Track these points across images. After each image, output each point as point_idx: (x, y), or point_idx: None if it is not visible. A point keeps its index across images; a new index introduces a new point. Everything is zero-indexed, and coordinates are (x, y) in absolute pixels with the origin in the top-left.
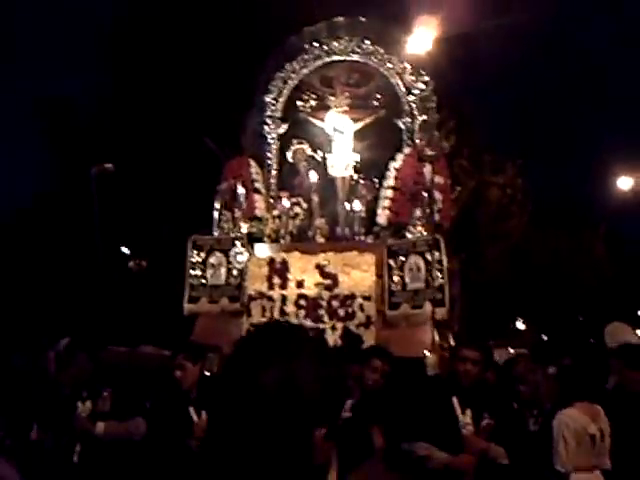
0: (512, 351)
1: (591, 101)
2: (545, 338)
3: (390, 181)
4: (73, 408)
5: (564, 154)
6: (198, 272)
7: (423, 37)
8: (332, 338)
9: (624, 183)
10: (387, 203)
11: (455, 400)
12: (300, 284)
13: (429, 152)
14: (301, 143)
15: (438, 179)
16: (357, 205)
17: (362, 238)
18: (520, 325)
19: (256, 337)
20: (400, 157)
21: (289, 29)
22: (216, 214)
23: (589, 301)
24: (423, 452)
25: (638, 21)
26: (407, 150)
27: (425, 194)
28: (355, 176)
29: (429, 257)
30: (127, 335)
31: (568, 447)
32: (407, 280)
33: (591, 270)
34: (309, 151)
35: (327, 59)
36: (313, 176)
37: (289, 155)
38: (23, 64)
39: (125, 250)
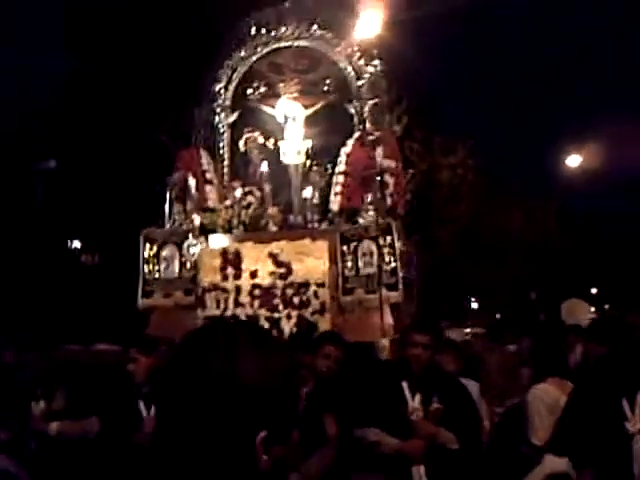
0: (468, 331)
1: (542, 81)
2: (498, 317)
3: (341, 167)
4: (27, 407)
5: (515, 134)
6: (151, 266)
7: (371, 20)
8: (287, 327)
9: (573, 161)
10: (339, 189)
11: (405, 385)
12: (254, 274)
13: (373, 136)
14: (252, 131)
15: (389, 163)
16: (309, 192)
17: (315, 225)
18: (474, 305)
19: (201, 330)
20: (350, 142)
21: (236, 17)
22: (167, 207)
23: (542, 278)
24: (373, 438)
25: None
26: (357, 135)
27: (376, 178)
28: (308, 163)
29: (381, 242)
30: (82, 332)
31: (544, 421)
32: (360, 265)
33: (543, 247)
34: (261, 139)
35: (275, 45)
36: (264, 165)
37: (241, 144)
38: None
39: (76, 244)
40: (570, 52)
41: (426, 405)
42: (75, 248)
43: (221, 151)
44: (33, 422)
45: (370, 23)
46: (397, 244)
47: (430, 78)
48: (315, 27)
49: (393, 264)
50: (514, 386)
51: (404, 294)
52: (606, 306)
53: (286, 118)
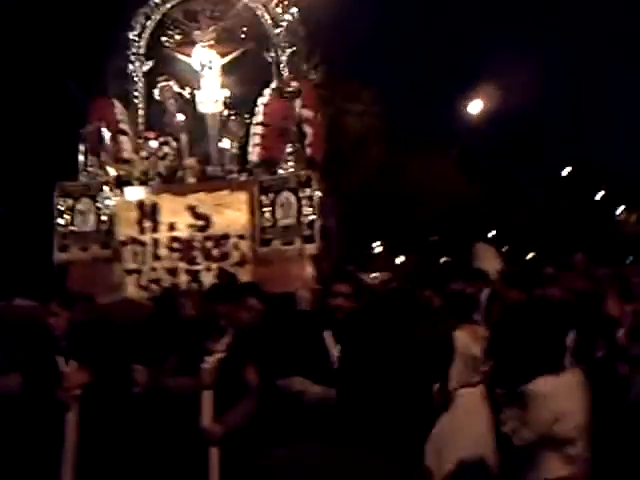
0: (374, 275)
1: (446, 28)
2: (401, 260)
3: (259, 117)
4: None
5: (421, 81)
6: (67, 220)
7: None
8: (207, 279)
9: (474, 106)
10: (257, 140)
11: (328, 334)
12: (172, 226)
13: (290, 87)
14: (168, 80)
15: (307, 112)
16: (227, 143)
17: (234, 177)
18: (377, 249)
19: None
20: (267, 92)
21: None
22: (81, 158)
23: (443, 223)
24: (298, 387)
25: None
26: (274, 84)
27: (294, 129)
28: (225, 112)
29: (300, 193)
30: None
31: (456, 367)
32: (278, 216)
33: (444, 192)
34: (176, 88)
35: None
36: (180, 115)
37: (156, 93)
38: None
39: None
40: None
41: None
42: None
43: (136, 100)
44: None
45: None
46: (316, 196)
47: (336, 26)
48: None
49: (311, 216)
50: None
51: (323, 244)
52: (504, 248)
53: (202, 66)
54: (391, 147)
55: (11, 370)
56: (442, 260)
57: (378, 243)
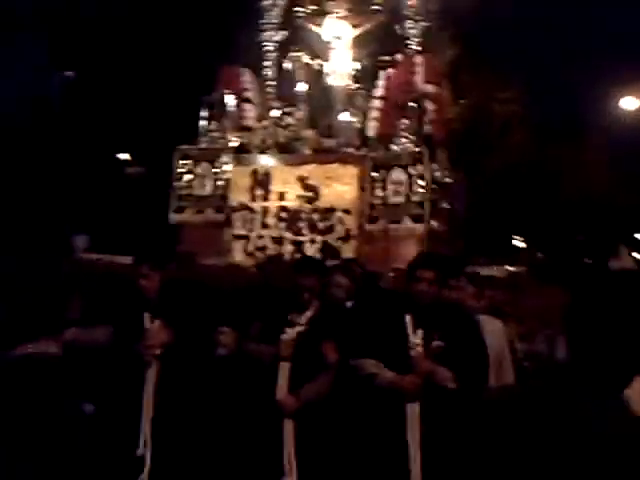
0: (510, 269)
1: (602, 15)
2: (541, 256)
3: (380, 91)
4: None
5: (569, 70)
6: (184, 182)
7: None
8: (310, 251)
9: (629, 103)
10: (375, 114)
11: (408, 318)
12: (282, 196)
13: (415, 59)
14: (299, 51)
15: (429, 88)
16: (346, 116)
17: (348, 150)
18: (519, 243)
19: None
20: (390, 65)
21: None
22: (203, 124)
23: (590, 221)
24: (370, 369)
25: None
26: (399, 57)
27: (413, 104)
28: (353, 86)
29: (412, 171)
30: (113, 242)
31: None
32: (388, 194)
33: (592, 188)
34: (307, 59)
35: None
36: (302, 85)
37: (286, 64)
38: None
39: (124, 156)
40: None
41: (428, 341)
42: (123, 160)
43: (265, 70)
44: None
45: None
46: (427, 174)
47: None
48: None
49: (421, 196)
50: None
51: (446, 227)
52: None
53: (333, 38)
54: (536, 136)
55: (101, 322)
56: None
57: (519, 237)
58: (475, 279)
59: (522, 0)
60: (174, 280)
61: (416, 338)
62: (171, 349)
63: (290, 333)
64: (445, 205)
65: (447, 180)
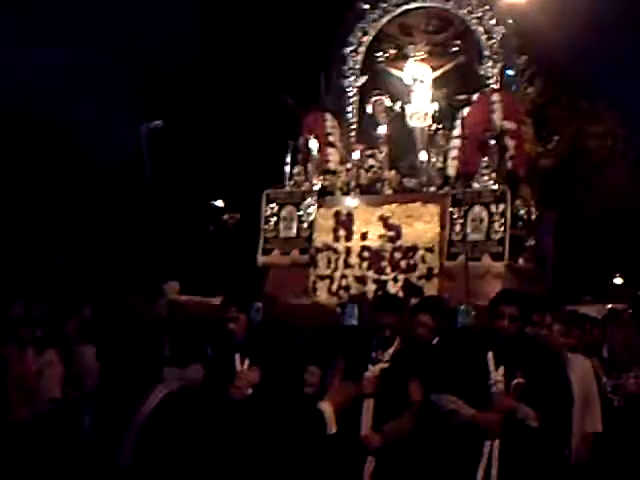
0: (610, 307)
1: None
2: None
3: (458, 130)
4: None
5: None
6: (271, 225)
7: None
8: (394, 290)
9: None
10: (455, 153)
11: (490, 355)
12: (364, 236)
13: (492, 97)
14: (380, 94)
15: (509, 125)
16: (425, 155)
17: (430, 189)
18: (618, 281)
19: None
20: (468, 104)
21: None
22: (288, 168)
23: None
24: (451, 406)
25: None
26: (476, 96)
27: (492, 141)
28: (434, 126)
29: (493, 209)
30: (203, 284)
31: None
32: (468, 231)
33: None
34: (388, 102)
35: (406, 7)
36: (383, 127)
37: (368, 107)
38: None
39: (219, 204)
40: None
41: (510, 379)
42: (218, 207)
43: (349, 114)
44: None
45: None
46: (508, 212)
47: (576, 44)
48: None
49: (502, 233)
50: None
51: (535, 264)
52: None
53: (414, 80)
54: (635, 172)
55: (193, 361)
56: None
57: (618, 275)
58: (571, 317)
59: (615, 29)
60: (259, 321)
61: (497, 375)
62: (260, 389)
63: (373, 370)
64: (531, 242)
65: (533, 217)
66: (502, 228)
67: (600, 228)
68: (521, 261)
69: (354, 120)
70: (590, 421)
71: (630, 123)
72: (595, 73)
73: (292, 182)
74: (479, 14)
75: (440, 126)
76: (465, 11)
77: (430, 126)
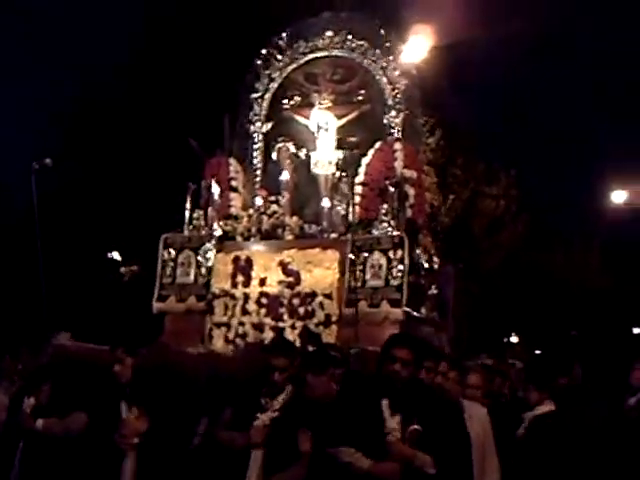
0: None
1: (587, 109)
2: (538, 352)
3: (360, 177)
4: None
5: (559, 163)
6: (168, 270)
7: (416, 46)
8: (291, 336)
9: (618, 196)
10: (357, 199)
11: (385, 402)
12: (263, 282)
13: (393, 146)
14: (285, 141)
15: (410, 173)
16: (327, 202)
17: (330, 235)
18: (514, 339)
19: None
20: (371, 152)
21: (275, 26)
22: (187, 212)
23: (583, 315)
24: (346, 458)
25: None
26: (379, 144)
27: (392, 189)
28: (337, 174)
29: (392, 255)
30: (96, 332)
31: None
32: (367, 277)
33: (585, 284)
34: (293, 149)
35: (312, 55)
36: (285, 174)
37: (273, 154)
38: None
39: (116, 256)
40: (620, 85)
41: (406, 426)
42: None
43: (254, 160)
44: (22, 418)
45: (415, 48)
46: (407, 259)
47: (474, 103)
48: (351, 37)
49: (399, 280)
50: None
51: (437, 313)
52: None
53: (319, 128)
54: (527, 233)
55: (74, 410)
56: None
57: (513, 333)
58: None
59: (510, 92)
60: (146, 367)
61: (393, 422)
62: (148, 438)
63: (262, 419)
64: (434, 292)
65: (435, 266)
66: (400, 274)
67: (496, 285)
68: (423, 310)
69: (259, 166)
70: (489, 468)
71: (523, 184)
72: (491, 134)
73: (191, 227)
74: (383, 64)
75: (344, 174)
76: (369, 61)
77: (334, 173)
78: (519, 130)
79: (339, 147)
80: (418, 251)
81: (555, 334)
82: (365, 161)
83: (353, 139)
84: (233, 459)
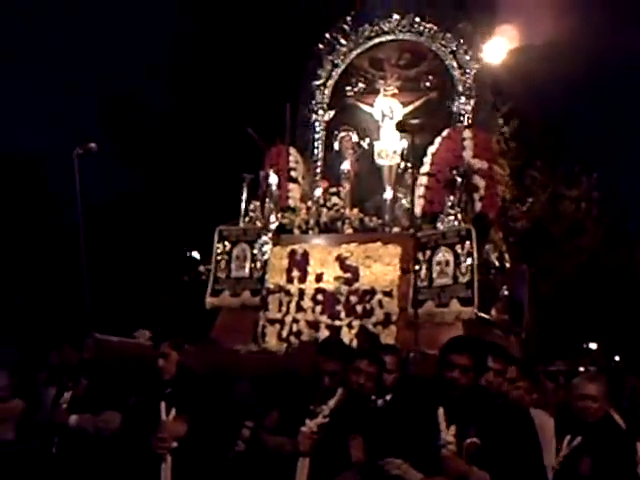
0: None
1: None
2: (617, 359)
3: (426, 167)
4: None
5: None
6: (222, 264)
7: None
8: (348, 336)
9: None
10: (422, 191)
11: (441, 412)
12: (319, 277)
13: (463, 133)
14: (348, 130)
15: (479, 164)
16: (389, 194)
17: (393, 230)
18: (593, 345)
19: None
20: (437, 141)
21: (338, 11)
22: (243, 204)
23: None
24: (395, 471)
25: None
26: (446, 132)
27: (460, 180)
28: (402, 164)
29: (459, 250)
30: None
31: None
32: (434, 275)
33: None
34: (356, 138)
35: (377, 40)
36: (346, 164)
37: (335, 143)
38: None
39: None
40: None
41: (462, 438)
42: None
43: (315, 150)
44: (57, 413)
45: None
46: (476, 253)
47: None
48: (418, 19)
49: (469, 276)
50: None
51: (507, 315)
52: None
53: (383, 116)
54: (609, 236)
55: (109, 408)
56: None
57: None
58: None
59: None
60: (190, 366)
61: (448, 435)
62: (187, 443)
63: (310, 425)
64: (505, 292)
65: (506, 265)
66: (470, 270)
67: (574, 290)
68: (493, 311)
69: (320, 156)
70: None
71: (605, 188)
72: (570, 137)
73: (247, 219)
74: (453, 48)
75: (409, 164)
76: (438, 45)
77: (398, 164)
78: (602, 131)
79: (404, 136)
80: (488, 247)
81: (636, 340)
82: (431, 150)
83: (415, 121)
84: (279, 466)
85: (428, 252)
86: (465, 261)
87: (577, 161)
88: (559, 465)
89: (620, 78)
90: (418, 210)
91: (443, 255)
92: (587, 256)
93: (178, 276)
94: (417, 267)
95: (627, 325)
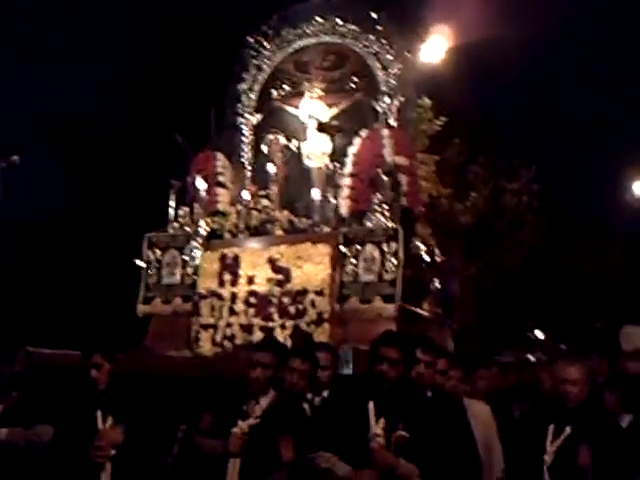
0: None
1: (610, 106)
2: (564, 347)
3: (348, 168)
4: None
5: (580, 157)
6: (153, 271)
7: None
8: (281, 337)
9: None
10: (347, 192)
11: (371, 405)
12: (251, 280)
13: (382, 132)
14: (275, 133)
15: (401, 160)
16: (317, 194)
17: (321, 229)
18: (540, 335)
19: None
20: (357, 141)
21: (261, 15)
22: (172, 210)
23: (607, 309)
24: (325, 464)
25: None
26: (365, 132)
27: (384, 177)
28: (330, 165)
29: (385, 248)
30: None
31: None
32: (360, 271)
33: (609, 278)
34: (284, 141)
35: (301, 42)
36: (272, 167)
37: (263, 146)
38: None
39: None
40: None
41: (391, 431)
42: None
43: (243, 154)
44: None
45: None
46: (401, 251)
47: (495, 100)
48: (341, 22)
49: (393, 274)
50: None
51: (440, 308)
52: None
53: (310, 118)
54: (549, 228)
55: (42, 421)
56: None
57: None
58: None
59: (531, 88)
60: (123, 374)
61: (377, 428)
62: (125, 450)
63: (241, 426)
64: (436, 286)
65: (437, 259)
66: (394, 268)
67: (519, 281)
68: (425, 305)
69: (249, 160)
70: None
71: (544, 180)
72: (509, 132)
73: (176, 225)
74: (375, 49)
75: (337, 165)
76: (361, 46)
77: (327, 165)
78: (539, 125)
79: (331, 138)
80: (416, 242)
81: (580, 328)
82: (352, 151)
83: (335, 123)
84: (211, 468)
85: (355, 248)
86: (391, 259)
87: (516, 155)
88: (552, 459)
89: (545, 69)
90: (344, 210)
91: (370, 252)
92: (529, 249)
93: (117, 285)
94: (343, 262)
95: (571, 314)
